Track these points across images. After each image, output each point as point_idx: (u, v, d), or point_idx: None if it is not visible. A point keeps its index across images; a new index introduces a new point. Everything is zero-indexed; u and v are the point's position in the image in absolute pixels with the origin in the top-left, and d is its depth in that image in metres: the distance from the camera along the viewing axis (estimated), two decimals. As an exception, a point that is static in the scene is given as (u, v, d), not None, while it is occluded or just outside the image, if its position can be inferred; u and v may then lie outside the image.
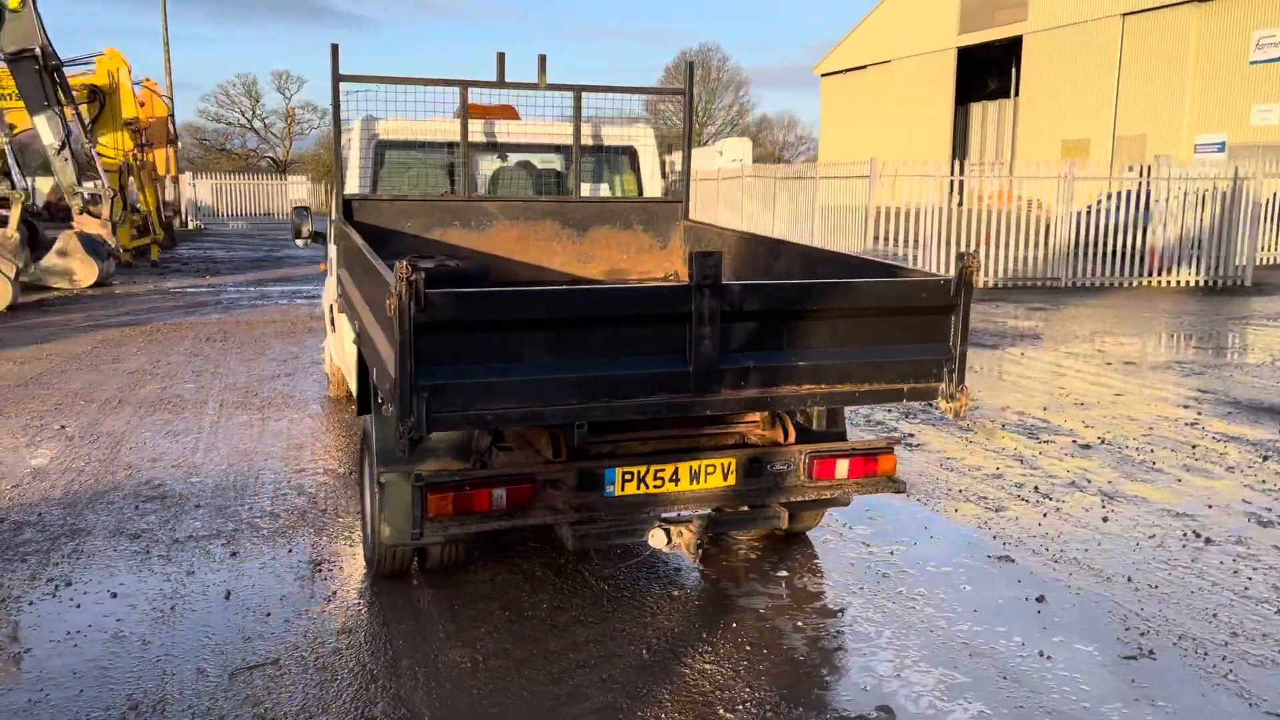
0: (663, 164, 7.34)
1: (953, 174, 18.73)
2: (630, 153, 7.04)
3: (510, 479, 4.04)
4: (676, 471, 4.26)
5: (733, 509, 4.46)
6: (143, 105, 26.13)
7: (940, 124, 44.10)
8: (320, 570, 4.89)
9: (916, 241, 18.01)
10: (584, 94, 6.47)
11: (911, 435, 7.50)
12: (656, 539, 4.13)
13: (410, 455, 3.75)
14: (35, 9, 15.93)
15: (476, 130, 6.81)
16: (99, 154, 19.24)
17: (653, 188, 7.03)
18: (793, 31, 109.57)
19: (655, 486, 4.24)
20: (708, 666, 4.00)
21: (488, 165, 7.00)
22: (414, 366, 3.47)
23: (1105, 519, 5.77)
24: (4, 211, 14.97)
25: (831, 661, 4.09)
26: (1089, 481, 6.45)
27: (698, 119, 63.22)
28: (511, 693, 3.78)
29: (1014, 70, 40.94)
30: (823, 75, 54.16)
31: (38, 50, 15.87)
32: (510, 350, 3.63)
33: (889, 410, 8.16)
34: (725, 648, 4.16)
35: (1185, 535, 5.50)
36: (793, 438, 4.53)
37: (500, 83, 6.39)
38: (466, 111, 6.30)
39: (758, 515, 4.49)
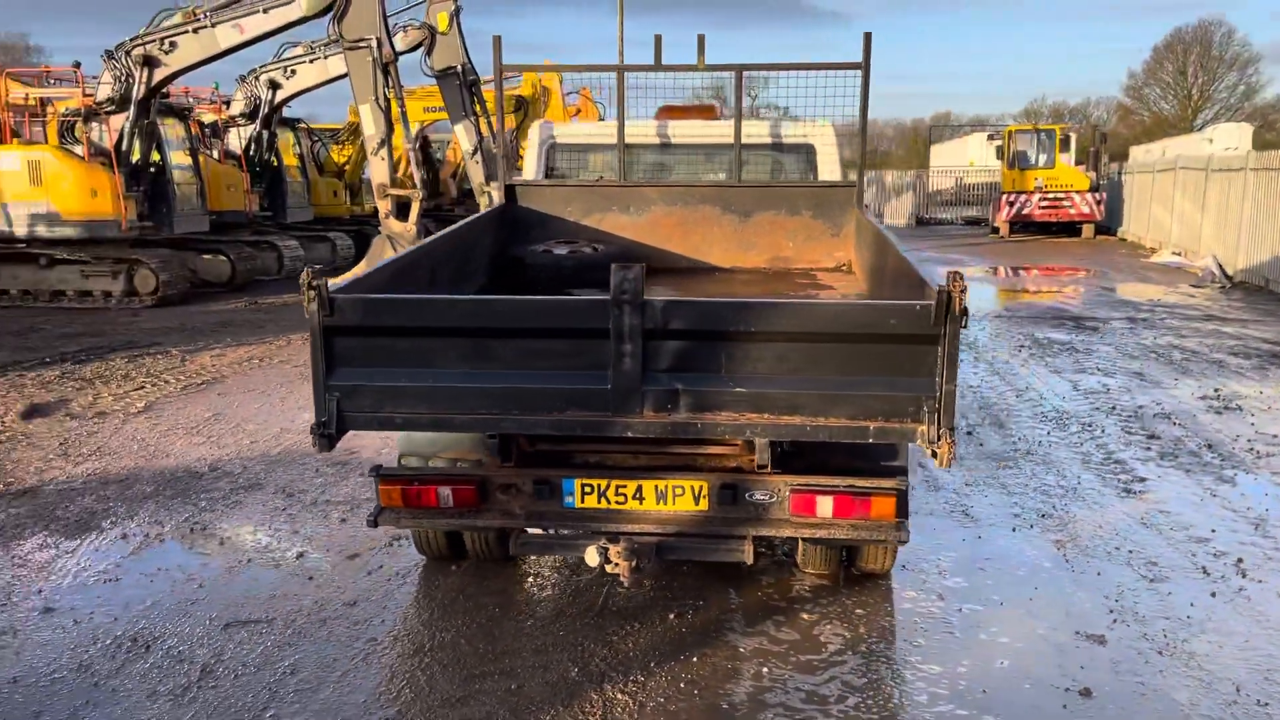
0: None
1: None
2: (807, 150, 6.72)
3: (456, 479, 4.16)
4: (640, 489, 4.10)
5: (700, 535, 4.17)
6: (579, 112, 28.88)
7: None
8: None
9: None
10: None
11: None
12: (591, 557, 4.03)
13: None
14: (459, 30, 18.25)
15: (653, 132, 6.90)
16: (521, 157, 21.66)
17: None
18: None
19: (618, 502, 4.12)
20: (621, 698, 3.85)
21: (674, 164, 7.03)
22: (325, 368, 3.72)
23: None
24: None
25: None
26: (1314, 561, 5.11)
27: (1191, 102, 56.35)
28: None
29: None
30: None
31: (459, 68, 18.16)
32: (422, 355, 3.74)
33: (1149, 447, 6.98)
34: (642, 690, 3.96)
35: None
36: (769, 465, 4.14)
37: (657, 65, 6.45)
38: (624, 96, 6.48)
39: (718, 546, 4.15)
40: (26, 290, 15.39)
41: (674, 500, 4.10)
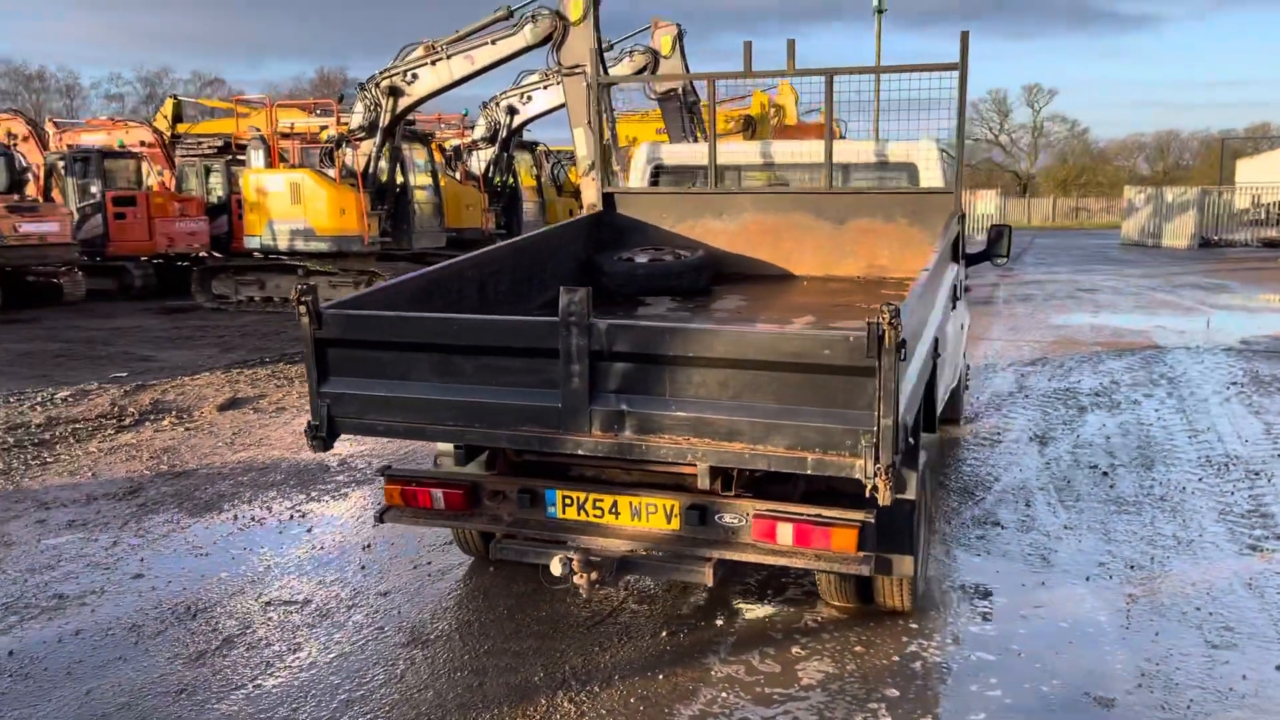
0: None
1: None
2: (910, 169, 6.49)
3: (447, 483, 4.40)
4: (616, 504, 4.20)
5: (664, 554, 4.17)
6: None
7: None
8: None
9: None
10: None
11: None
12: (555, 567, 4.13)
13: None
14: (682, 54, 18.71)
15: (756, 152, 6.90)
16: (749, 175, 21.88)
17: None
18: None
19: (595, 516, 4.23)
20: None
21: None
22: (317, 376, 4.10)
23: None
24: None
25: (691, 738, 3.71)
26: None
27: None
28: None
29: None
30: None
31: (680, 90, 18.61)
32: (399, 368, 4.06)
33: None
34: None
35: None
36: (718, 487, 4.08)
37: (747, 73, 6.50)
38: (715, 102, 6.61)
39: (679, 566, 4.13)
40: (286, 298, 17.28)
41: (647, 517, 4.16)
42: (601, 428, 3.78)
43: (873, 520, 3.88)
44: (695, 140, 18.89)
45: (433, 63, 16.64)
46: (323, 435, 4.14)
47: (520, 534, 4.34)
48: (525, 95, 19.95)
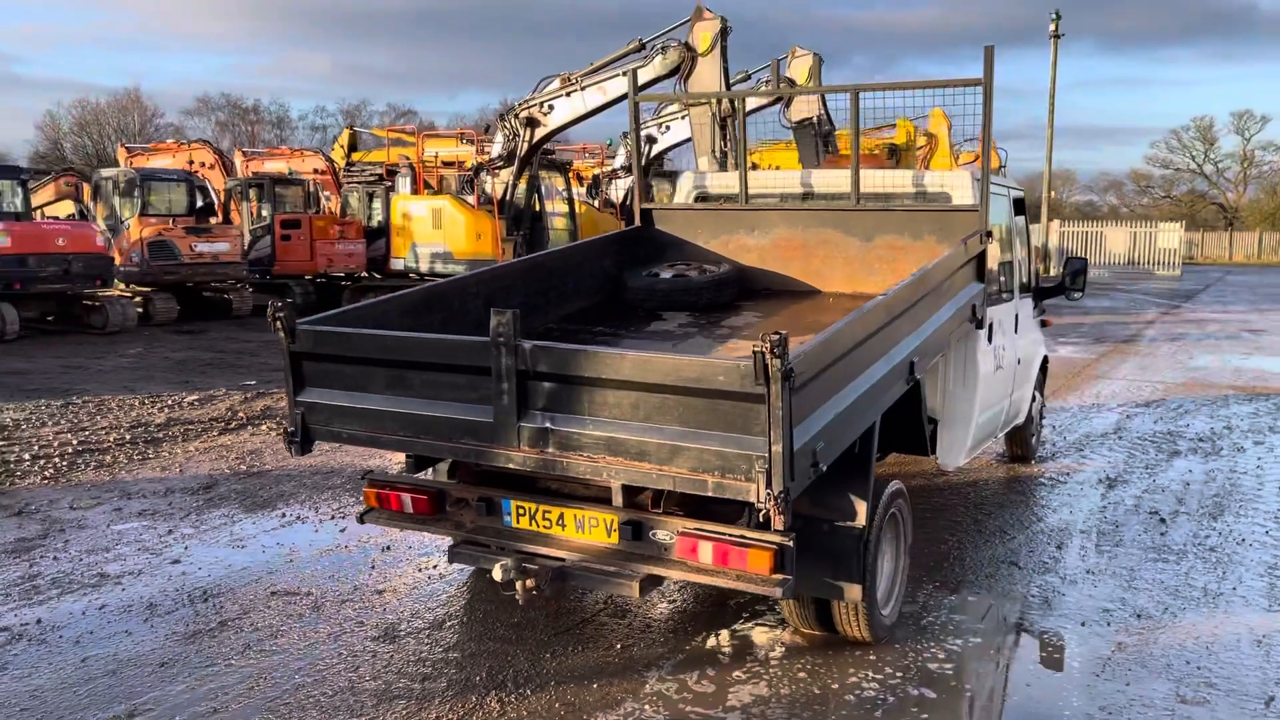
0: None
1: None
2: (944, 199, 6.37)
3: (415, 489, 4.67)
4: (563, 516, 4.36)
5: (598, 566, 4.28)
6: (975, 159, 27.84)
7: None
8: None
9: None
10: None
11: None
12: (497, 573, 4.32)
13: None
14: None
15: (797, 182, 6.94)
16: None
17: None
18: None
19: (544, 526, 4.41)
20: None
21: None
22: (293, 386, 4.47)
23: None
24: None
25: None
26: None
27: None
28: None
29: None
30: None
31: (814, 119, 18.58)
32: (359, 381, 4.38)
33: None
34: (541, 697, 4.16)
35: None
36: (662, 505, 4.17)
37: (776, 90, 6.61)
38: (744, 121, 6.73)
39: (610, 579, 4.22)
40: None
41: (590, 530, 4.30)
42: (529, 443, 3.97)
43: (791, 544, 3.89)
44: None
45: (568, 94, 17.26)
46: (298, 440, 4.49)
47: (475, 540, 4.55)
48: (664, 124, 20.36)
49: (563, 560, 4.29)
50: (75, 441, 8.60)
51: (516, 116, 17.59)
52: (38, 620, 4.92)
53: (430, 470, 5.07)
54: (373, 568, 5.67)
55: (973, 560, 5.82)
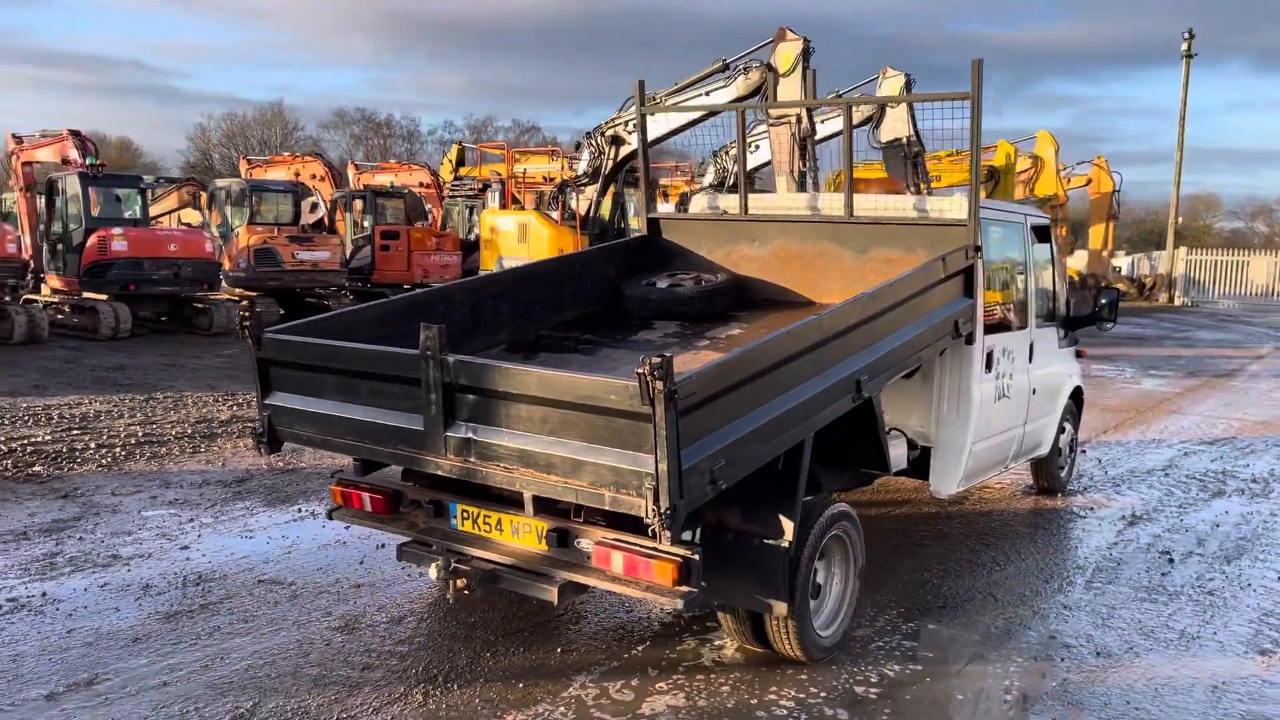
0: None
1: None
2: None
3: (374, 490, 4.91)
4: (500, 521, 4.55)
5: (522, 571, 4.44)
6: (1088, 182, 27.00)
7: None
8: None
9: None
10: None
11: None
12: (432, 572, 4.53)
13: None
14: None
15: (804, 205, 6.98)
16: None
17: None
18: None
19: (484, 530, 4.61)
20: None
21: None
22: (261, 390, 4.79)
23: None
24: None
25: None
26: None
27: None
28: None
29: None
30: None
31: (904, 140, 18.38)
32: (315, 387, 4.66)
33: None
34: (465, 693, 4.34)
35: None
36: (582, 515, 4.30)
37: (769, 103, 6.74)
38: (745, 132, 6.94)
39: (532, 584, 4.37)
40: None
41: (523, 536, 4.47)
42: (454, 452, 4.17)
43: (696, 558, 3.98)
44: (918, 193, 18.54)
45: (652, 113, 17.51)
46: (265, 442, 4.81)
47: (424, 540, 4.77)
48: (753, 144, 20.39)
49: (495, 563, 4.48)
50: (141, 433, 9.21)
51: (602, 134, 17.93)
52: (43, 593, 5.35)
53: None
54: (361, 563, 5.96)
55: (951, 589, 5.76)
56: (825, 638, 4.76)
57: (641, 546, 4.06)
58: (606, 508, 3.82)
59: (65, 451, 8.43)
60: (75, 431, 9.20)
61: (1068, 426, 7.94)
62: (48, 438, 8.90)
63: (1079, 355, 8.20)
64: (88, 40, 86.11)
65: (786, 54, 16.56)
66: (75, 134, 18.09)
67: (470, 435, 4.11)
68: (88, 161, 17.35)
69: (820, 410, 4.51)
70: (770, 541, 4.39)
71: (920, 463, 6.32)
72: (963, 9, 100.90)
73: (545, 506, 4.43)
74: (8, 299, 16.43)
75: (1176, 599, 5.69)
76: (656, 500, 3.60)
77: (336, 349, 4.54)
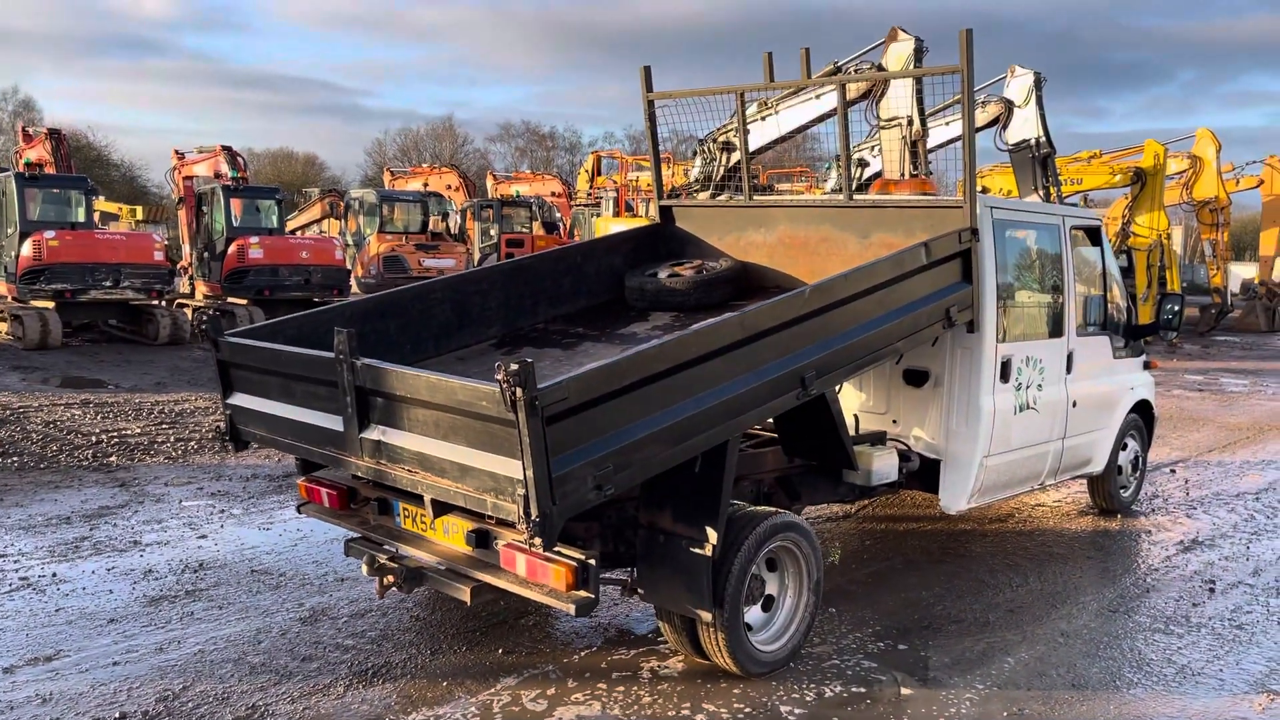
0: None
1: None
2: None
3: (331, 486, 5.02)
4: (434, 522, 4.58)
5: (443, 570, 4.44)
6: (1261, 184, 25.08)
7: None
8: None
9: None
10: None
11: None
12: (364, 568, 4.60)
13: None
14: (1040, 108, 17.57)
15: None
16: (1134, 232, 20.02)
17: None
18: None
19: (422, 529, 4.65)
20: (342, 688, 4.37)
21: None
22: (223, 392, 5.00)
23: None
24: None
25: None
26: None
27: None
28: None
29: None
30: None
31: (1033, 141, 17.53)
32: (264, 387, 4.82)
33: None
34: (386, 688, 4.38)
35: None
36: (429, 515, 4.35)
37: (768, 84, 6.68)
38: (745, 118, 7.11)
39: (448, 583, 4.36)
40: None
41: (452, 535, 4.49)
42: (368, 454, 4.23)
43: (593, 562, 3.90)
44: (1046, 198, 17.63)
45: (763, 118, 17.30)
46: (228, 440, 5.02)
47: (369, 536, 4.85)
48: (874, 149, 19.87)
49: (422, 561, 4.51)
50: (221, 429, 9.73)
51: (714, 141, 17.83)
52: (54, 574, 5.72)
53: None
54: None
55: (944, 610, 5.44)
56: (767, 652, 4.57)
57: (540, 550, 4.00)
58: (489, 513, 3.79)
59: (146, 444, 8.99)
60: (164, 425, 9.80)
61: (1130, 443, 7.37)
62: (137, 430, 9.51)
63: (1147, 366, 7.61)
64: (281, 63, 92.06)
65: (898, 55, 16.07)
66: (227, 149, 19.31)
67: (380, 437, 4.16)
68: (230, 175, 18.50)
69: (748, 410, 4.34)
70: (696, 548, 4.26)
71: (932, 477, 6.00)
72: (1139, 2, 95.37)
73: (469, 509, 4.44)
74: (159, 304, 17.72)
75: (1196, 631, 5.19)
76: (527, 507, 3.55)
77: (274, 352, 4.67)
